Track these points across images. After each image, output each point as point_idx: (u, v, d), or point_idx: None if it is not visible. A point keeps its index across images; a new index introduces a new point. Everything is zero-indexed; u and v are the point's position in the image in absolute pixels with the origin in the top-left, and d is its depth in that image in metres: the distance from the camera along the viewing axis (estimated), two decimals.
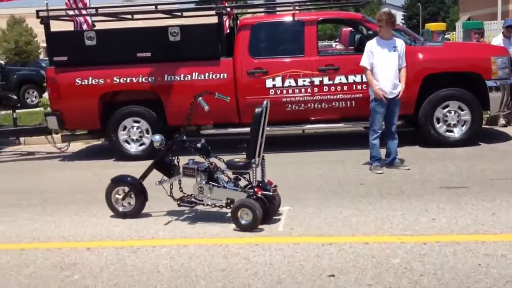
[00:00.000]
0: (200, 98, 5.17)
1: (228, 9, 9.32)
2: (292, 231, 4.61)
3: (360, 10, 27.92)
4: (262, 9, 10.48)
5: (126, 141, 8.25)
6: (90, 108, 8.19)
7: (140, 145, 8.24)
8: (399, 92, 6.56)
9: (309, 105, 7.88)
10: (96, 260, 4.25)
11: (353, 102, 7.81)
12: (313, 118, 8.04)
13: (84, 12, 9.61)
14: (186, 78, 8.04)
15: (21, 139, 10.26)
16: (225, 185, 4.91)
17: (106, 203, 5.24)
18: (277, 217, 4.95)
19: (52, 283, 3.86)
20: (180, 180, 5.07)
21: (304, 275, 3.71)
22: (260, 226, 4.66)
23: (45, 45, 9.19)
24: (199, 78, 8.02)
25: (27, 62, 28.15)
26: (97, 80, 8.15)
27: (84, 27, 9.56)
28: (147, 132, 8.20)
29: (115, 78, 8.13)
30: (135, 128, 8.22)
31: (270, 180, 4.97)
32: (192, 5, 10.80)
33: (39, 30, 32.04)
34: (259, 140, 4.79)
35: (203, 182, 4.89)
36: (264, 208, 4.69)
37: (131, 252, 4.36)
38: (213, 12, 8.47)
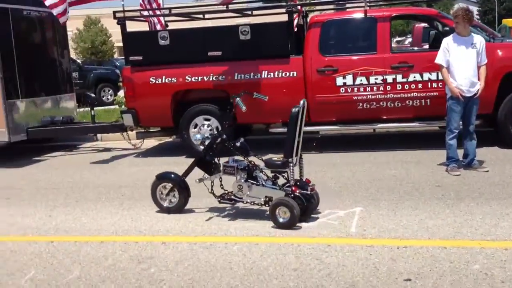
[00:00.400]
0: (238, 98, 5.24)
1: (298, 6, 9.28)
2: (365, 233, 4.53)
3: (432, 5, 27.03)
4: (331, 6, 10.34)
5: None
6: (163, 106, 8.42)
7: None
8: (478, 91, 6.30)
9: (381, 103, 7.71)
10: (171, 254, 4.36)
11: (428, 100, 7.57)
12: (385, 117, 7.86)
13: (158, 12, 9.86)
14: (255, 77, 8.09)
15: (98, 135, 10.71)
16: (263, 183, 4.99)
17: (151, 198, 5.45)
18: (315, 215, 4.98)
19: (130, 276, 3.99)
20: (221, 178, 5.18)
21: (378, 278, 3.64)
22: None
23: (119, 44, 9.50)
24: (268, 76, 8.06)
25: (103, 61, 29.28)
26: (170, 79, 8.36)
27: (158, 27, 9.82)
28: (217, 130, 8.32)
29: (187, 77, 8.31)
30: (205, 125, 8.37)
31: (308, 179, 5.01)
32: (261, 4, 10.86)
33: (114, 30, 33.53)
34: (296, 140, 4.84)
35: (242, 180, 5.00)
36: (302, 207, 4.74)
37: (204, 248, 4.44)
38: (283, 10, 8.46)
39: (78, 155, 9.64)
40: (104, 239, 4.84)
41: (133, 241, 4.71)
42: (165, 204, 5.42)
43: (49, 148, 10.15)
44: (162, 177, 5.40)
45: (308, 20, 8.88)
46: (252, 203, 5.05)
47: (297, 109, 4.81)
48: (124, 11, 9.04)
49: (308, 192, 4.84)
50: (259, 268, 3.96)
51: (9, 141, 8.64)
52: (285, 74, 8.01)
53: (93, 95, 12.44)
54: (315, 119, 8.02)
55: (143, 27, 10.16)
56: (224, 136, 5.25)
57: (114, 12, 8.81)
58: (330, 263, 3.94)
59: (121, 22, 8.68)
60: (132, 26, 9.30)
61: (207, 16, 9.83)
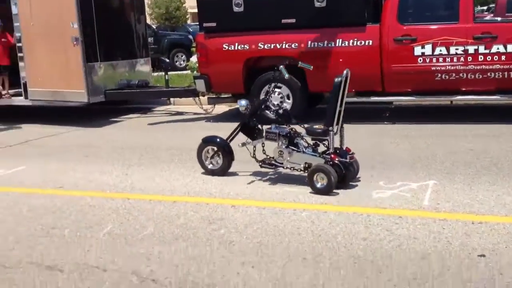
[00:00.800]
0: (281, 66, 5.45)
1: None
2: (439, 206, 4.41)
3: None
4: None
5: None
6: (235, 72, 8.48)
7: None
8: None
9: (461, 75, 7.39)
10: (240, 217, 4.44)
11: (511, 73, 7.18)
12: (464, 89, 7.54)
13: None
14: (329, 45, 7.96)
15: (171, 99, 10.97)
16: (304, 150, 5.12)
17: (197, 159, 5.69)
18: (354, 183, 5.05)
19: (202, 235, 4.11)
20: (263, 143, 5.34)
21: (451, 253, 3.55)
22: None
23: (192, 10, 9.58)
24: (343, 44, 7.90)
25: (176, 27, 29.74)
26: (242, 46, 8.38)
27: None
28: (288, 98, 8.31)
29: (259, 44, 8.31)
30: (276, 93, 8.34)
31: (348, 148, 5.07)
32: None
33: None
34: (337, 109, 4.93)
35: (283, 146, 5.16)
36: (340, 174, 4.86)
37: (273, 213, 4.49)
38: None
39: (152, 118, 9.94)
40: (177, 199, 4.99)
41: (204, 203, 4.83)
42: (210, 166, 5.64)
43: (125, 110, 10.52)
44: (208, 141, 5.64)
45: None
46: (292, 169, 5.19)
47: (339, 78, 4.89)
48: None
49: (347, 160, 4.91)
50: (327, 235, 3.96)
51: (88, 102, 9.02)
52: (361, 43, 7.82)
53: (167, 60, 12.73)
54: (390, 89, 7.81)
55: None
56: (268, 103, 5.44)
57: None
58: (400, 235, 3.87)
59: None
60: None
61: None
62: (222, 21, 8.53)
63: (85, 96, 8.89)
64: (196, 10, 9.27)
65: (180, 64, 17.46)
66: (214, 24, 8.60)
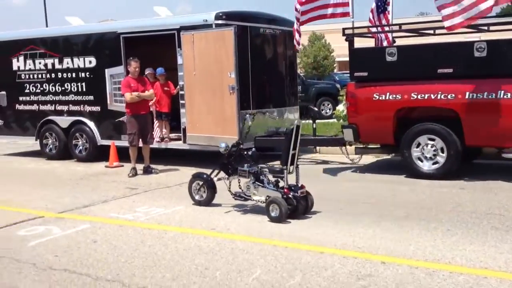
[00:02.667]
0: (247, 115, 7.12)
1: None
2: None
3: None
4: None
5: (419, 158, 8.12)
6: (385, 122, 8.33)
7: (434, 163, 8.02)
8: None
9: None
10: (391, 275, 4.25)
11: None
12: None
13: (386, 28, 9.80)
14: (490, 96, 7.50)
15: (317, 148, 11.05)
16: (267, 186, 6.16)
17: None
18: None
19: None
20: (239, 179, 6.36)
21: None
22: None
23: (340, 59, 9.67)
24: (505, 96, 7.39)
25: (323, 76, 30.22)
26: (394, 96, 8.23)
27: (385, 43, 9.77)
28: (442, 151, 7.92)
29: (412, 94, 8.09)
30: (429, 145, 8.03)
31: (303, 185, 6.12)
32: (497, 19, 10.04)
33: (336, 46, 34.40)
34: (291, 152, 6.03)
35: (251, 182, 6.23)
36: (292, 207, 5.90)
37: (426, 274, 4.24)
38: None
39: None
40: (324, 250, 4.94)
41: (351, 256, 4.73)
42: (197, 197, 6.74)
43: (271, 157, 10.79)
44: (196, 176, 6.85)
45: None
46: (257, 202, 6.23)
47: (292, 126, 6.11)
48: (353, 27, 9.19)
49: (298, 194, 5.93)
50: None
51: None
52: None
53: (315, 109, 12.93)
54: None
55: (369, 43, 10.20)
56: (241, 146, 6.56)
57: (344, 29, 9.01)
58: None
59: (350, 38, 8.85)
60: (358, 43, 9.40)
61: (437, 32, 9.41)
62: (373, 71, 8.50)
63: None
64: (343, 59, 9.36)
65: (326, 113, 17.62)
66: (365, 74, 8.58)
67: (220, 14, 9.54)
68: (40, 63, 11.72)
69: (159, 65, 10.84)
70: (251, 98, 9.96)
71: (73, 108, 11.39)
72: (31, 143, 12.31)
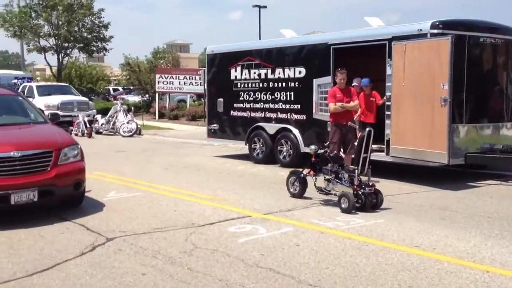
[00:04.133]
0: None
1: None
2: None
3: None
4: None
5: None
6: None
7: None
8: None
9: None
10: None
11: None
12: None
13: None
14: None
15: None
16: (342, 182, 7.28)
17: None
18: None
19: None
20: (325, 176, 7.54)
21: None
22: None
23: None
24: None
25: None
26: None
27: None
28: None
29: None
30: None
31: (374, 184, 7.30)
32: None
33: None
34: (362, 155, 7.28)
35: (331, 179, 7.42)
36: (361, 202, 7.00)
37: None
38: None
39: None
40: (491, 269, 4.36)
41: None
42: (291, 190, 8.03)
43: (484, 175, 9.96)
44: (291, 173, 8.17)
45: None
46: (334, 195, 7.34)
47: (364, 134, 7.34)
48: None
49: (366, 191, 7.04)
50: None
51: (448, 163, 8.85)
52: None
53: None
54: None
55: None
56: (326, 150, 7.85)
57: None
58: None
59: None
60: None
61: None
62: None
63: (446, 157, 8.75)
64: None
65: None
66: None
67: (437, 23, 9.11)
68: (254, 73, 12.56)
69: (366, 76, 10.79)
70: (464, 111, 9.33)
71: (280, 115, 11.94)
72: (240, 147, 13.24)
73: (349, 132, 9.49)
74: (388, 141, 9.86)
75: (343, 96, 9.38)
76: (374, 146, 10.82)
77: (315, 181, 7.66)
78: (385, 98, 10.07)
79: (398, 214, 7.01)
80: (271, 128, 12.12)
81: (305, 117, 11.47)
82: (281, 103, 11.98)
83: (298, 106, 11.62)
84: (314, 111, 11.23)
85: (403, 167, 10.44)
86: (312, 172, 7.77)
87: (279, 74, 11.97)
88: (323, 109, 10.86)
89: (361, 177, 7.34)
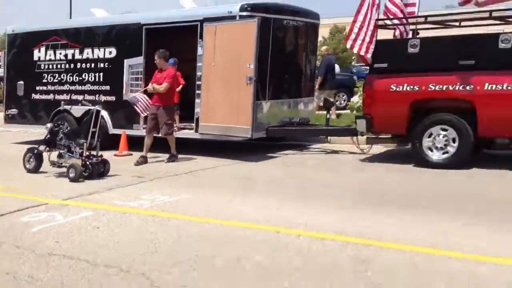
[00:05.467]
0: None
1: None
2: None
3: None
4: None
5: (429, 148, 8.10)
6: (400, 113, 8.24)
7: (444, 153, 8.01)
8: None
9: None
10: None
11: None
12: None
13: (412, 20, 9.48)
14: (509, 88, 7.34)
15: (329, 137, 10.89)
16: (73, 155, 7.94)
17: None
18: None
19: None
20: (59, 152, 8.17)
21: None
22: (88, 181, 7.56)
23: None
24: None
25: (340, 68, 29.76)
26: (411, 87, 8.15)
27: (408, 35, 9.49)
28: (453, 141, 7.87)
29: (430, 86, 7.99)
30: (441, 136, 7.98)
31: (102, 155, 8.10)
32: None
33: None
34: (91, 129, 8.13)
35: (64, 153, 8.08)
36: (88, 170, 7.74)
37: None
38: None
39: (307, 155, 10.01)
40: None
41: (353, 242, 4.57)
42: (27, 166, 8.39)
43: (283, 147, 10.68)
44: (28, 150, 8.55)
45: None
46: (65, 167, 7.88)
47: (94, 110, 8.29)
48: (378, 19, 8.97)
49: (93, 161, 7.82)
50: None
51: (251, 137, 9.31)
52: None
53: (331, 99, 12.75)
54: None
55: (389, 35, 9.92)
56: (61, 126, 8.42)
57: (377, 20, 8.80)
58: None
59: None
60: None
61: (463, 24, 9.14)
62: (394, 62, 8.41)
63: (249, 132, 9.18)
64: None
65: (340, 104, 17.37)
66: (385, 65, 8.47)
67: (245, 6, 9.46)
68: (60, 53, 11.79)
69: (180, 56, 10.80)
70: (267, 89, 9.86)
71: (88, 97, 11.29)
72: (42, 131, 12.33)
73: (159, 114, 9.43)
74: (197, 119, 10.03)
75: (157, 78, 9.36)
76: (180, 125, 10.99)
77: (49, 156, 8.22)
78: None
79: (202, 188, 7.19)
80: (78, 110, 11.47)
81: (114, 99, 11.12)
82: (89, 85, 11.48)
83: (108, 87, 11.23)
84: (124, 92, 10.93)
85: (212, 144, 10.73)
86: (47, 148, 8.31)
87: (87, 54, 11.44)
88: (134, 90, 10.62)
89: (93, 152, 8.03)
